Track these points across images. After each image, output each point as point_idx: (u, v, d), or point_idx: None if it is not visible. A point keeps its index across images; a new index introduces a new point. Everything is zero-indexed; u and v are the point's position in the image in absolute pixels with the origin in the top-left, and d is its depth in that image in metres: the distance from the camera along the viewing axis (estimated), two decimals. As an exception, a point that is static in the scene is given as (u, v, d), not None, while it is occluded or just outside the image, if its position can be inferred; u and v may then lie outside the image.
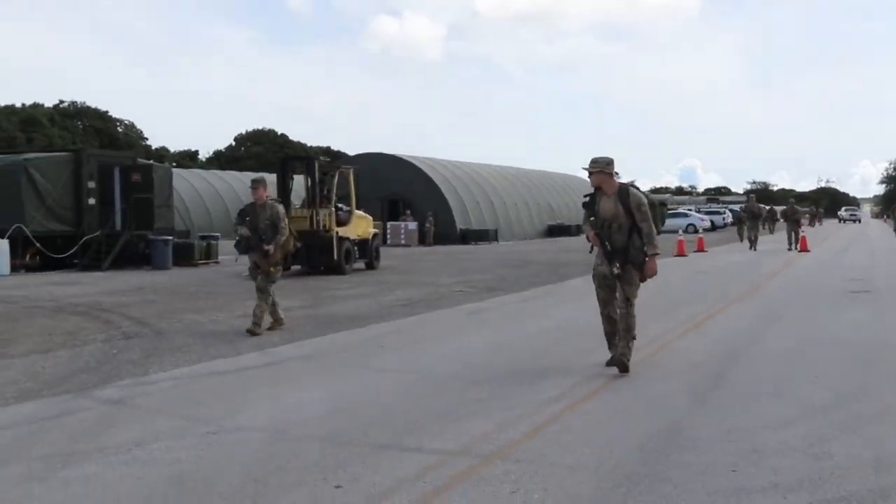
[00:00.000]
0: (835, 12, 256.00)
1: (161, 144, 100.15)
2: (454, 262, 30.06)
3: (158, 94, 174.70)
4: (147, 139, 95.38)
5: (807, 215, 73.56)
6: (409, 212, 47.45)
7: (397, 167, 50.06)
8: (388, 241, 45.18)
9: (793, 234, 36.00)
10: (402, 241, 44.85)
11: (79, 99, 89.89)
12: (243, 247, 12.64)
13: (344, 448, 6.20)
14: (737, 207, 73.44)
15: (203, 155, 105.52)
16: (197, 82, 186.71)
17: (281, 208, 12.67)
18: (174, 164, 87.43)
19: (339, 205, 25.09)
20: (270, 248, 12.27)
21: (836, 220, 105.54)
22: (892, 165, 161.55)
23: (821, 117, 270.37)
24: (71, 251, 26.65)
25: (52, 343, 11.55)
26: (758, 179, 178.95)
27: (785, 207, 39.94)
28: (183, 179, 56.03)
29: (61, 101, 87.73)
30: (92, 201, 27.62)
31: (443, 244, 45.08)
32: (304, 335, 12.12)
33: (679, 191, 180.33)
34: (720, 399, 7.92)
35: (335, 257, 23.35)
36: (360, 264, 25.82)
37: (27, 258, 26.40)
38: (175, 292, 18.84)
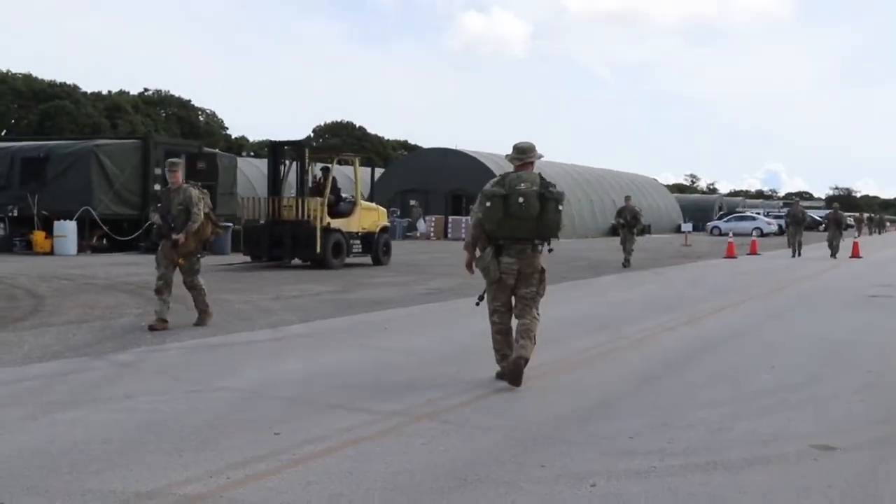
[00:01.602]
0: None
1: (241, 134, 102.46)
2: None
3: (240, 85, 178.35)
4: (227, 129, 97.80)
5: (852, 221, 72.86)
6: (471, 206, 48.19)
7: (461, 162, 50.95)
8: (450, 235, 46.09)
9: (833, 240, 34.53)
10: (463, 236, 45.63)
11: (163, 87, 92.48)
12: (155, 235, 11.90)
13: (301, 406, 7.08)
14: (820, 213, 73.03)
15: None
16: (280, 74, 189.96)
17: (195, 192, 11.56)
18: (252, 153, 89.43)
19: (345, 195, 24.43)
20: (180, 237, 11.39)
21: None
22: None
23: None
24: (136, 234, 27.93)
25: (90, 315, 12.61)
26: (841, 185, 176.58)
27: (828, 212, 39.27)
28: (255, 168, 57.48)
29: (146, 89, 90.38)
30: (157, 187, 28.86)
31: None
32: (319, 316, 13.00)
33: (759, 194, 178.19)
34: (668, 383, 8.60)
35: (318, 250, 22.10)
36: (367, 259, 24.56)
37: (94, 240, 27.81)
38: (221, 276, 19.87)
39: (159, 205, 11.68)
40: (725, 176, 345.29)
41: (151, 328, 11.20)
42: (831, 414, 7.40)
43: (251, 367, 8.93)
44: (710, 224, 68.94)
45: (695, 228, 65.84)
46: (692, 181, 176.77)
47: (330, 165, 23.56)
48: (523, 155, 8.04)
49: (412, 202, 49.74)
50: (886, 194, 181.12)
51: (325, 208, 22.35)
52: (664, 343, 11.15)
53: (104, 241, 28.24)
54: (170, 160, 11.91)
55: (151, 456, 5.60)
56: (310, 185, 23.07)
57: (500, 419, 6.84)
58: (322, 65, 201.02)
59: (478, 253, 8.24)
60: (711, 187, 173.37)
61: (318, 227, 22.00)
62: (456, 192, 50.61)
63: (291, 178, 23.51)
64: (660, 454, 5.96)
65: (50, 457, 5.57)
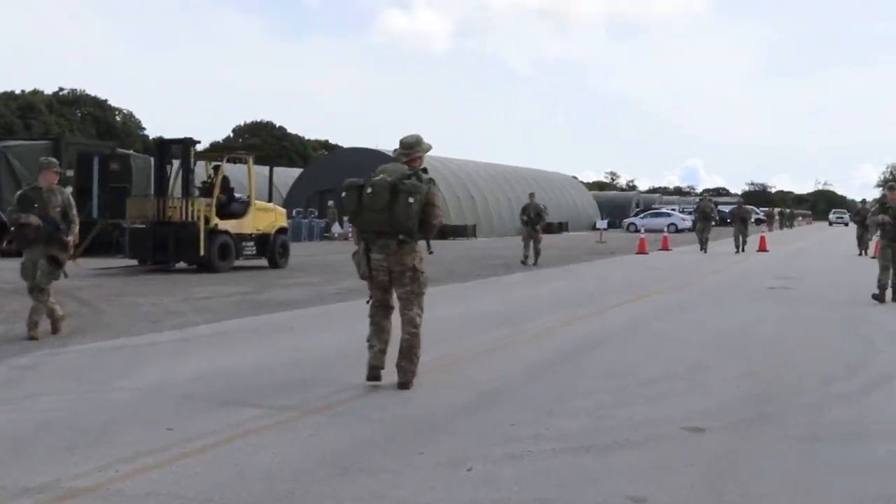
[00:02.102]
0: (838, 14, 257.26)
1: (159, 134, 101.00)
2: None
3: (158, 84, 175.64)
4: (145, 129, 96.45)
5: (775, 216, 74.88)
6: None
7: (380, 162, 50.18)
8: (367, 235, 46.13)
9: (740, 235, 34.93)
10: (382, 235, 45.75)
11: (78, 87, 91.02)
12: (29, 238, 10.97)
13: (196, 404, 7.27)
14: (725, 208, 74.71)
15: (201, 146, 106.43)
16: (198, 72, 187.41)
17: (69, 195, 11.29)
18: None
19: (239, 195, 23.70)
20: (71, 238, 11.10)
21: (827, 223, 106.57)
22: (888, 169, 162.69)
23: (824, 120, 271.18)
24: (47, 238, 27.54)
25: (-7, 319, 12.58)
26: (756, 181, 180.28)
27: (733, 207, 39.92)
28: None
29: (61, 89, 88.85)
30: (69, 189, 28.53)
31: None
32: (226, 317, 13.15)
33: (677, 191, 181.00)
34: (558, 374, 8.96)
35: (202, 252, 21.20)
36: (263, 262, 23.56)
37: (3, 244, 27.37)
38: (132, 279, 19.82)
39: (35, 206, 10.85)
40: (645, 173, 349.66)
41: (54, 332, 11.22)
42: (708, 400, 7.82)
43: (153, 367, 9.07)
44: (627, 221, 70.02)
45: (612, 225, 66.84)
46: (612, 178, 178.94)
47: (220, 164, 22.93)
48: (409, 150, 8.01)
49: (329, 203, 49.69)
50: (801, 189, 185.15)
51: (214, 209, 21.61)
52: (561, 337, 11.52)
53: (13, 245, 27.80)
54: (47, 159, 11.33)
55: (44, 453, 5.76)
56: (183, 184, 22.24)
57: (388, 412, 7.12)
58: (242, 63, 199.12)
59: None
60: (631, 184, 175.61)
61: (202, 228, 21.19)
62: (374, 192, 50.67)
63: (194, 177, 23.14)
64: (536, 439, 6.28)
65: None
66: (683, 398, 7.86)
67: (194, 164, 22.51)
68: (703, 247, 34.70)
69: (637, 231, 53.04)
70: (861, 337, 11.85)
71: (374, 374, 7.86)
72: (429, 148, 8.13)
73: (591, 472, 5.57)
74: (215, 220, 21.58)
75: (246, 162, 24.41)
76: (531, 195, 27.92)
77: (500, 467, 5.61)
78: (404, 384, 7.87)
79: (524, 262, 25.40)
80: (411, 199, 7.60)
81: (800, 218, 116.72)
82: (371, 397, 7.63)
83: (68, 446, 5.90)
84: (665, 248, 36.83)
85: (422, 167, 8.00)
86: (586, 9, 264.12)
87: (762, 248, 35.22)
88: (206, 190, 22.29)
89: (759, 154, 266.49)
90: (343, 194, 7.98)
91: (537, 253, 26.02)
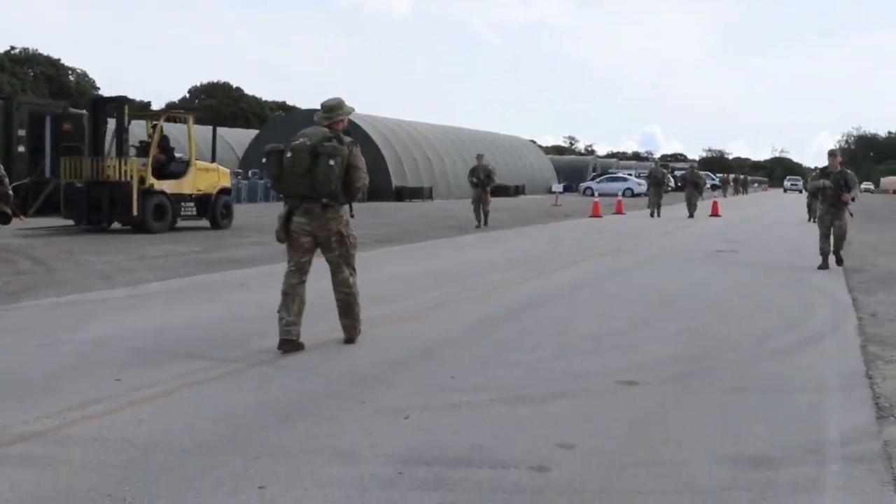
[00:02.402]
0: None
1: (113, 94, 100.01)
2: (373, 216, 31.17)
3: (112, 43, 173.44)
4: (99, 89, 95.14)
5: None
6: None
7: (337, 124, 50.91)
8: (324, 197, 46.19)
9: (691, 200, 34.91)
10: (338, 197, 45.79)
11: (31, 46, 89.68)
12: None
13: (146, 356, 7.44)
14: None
15: (156, 106, 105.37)
16: (153, 32, 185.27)
17: None
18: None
19: (179, 155, 23.20)
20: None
21: (782, 189, 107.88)
22: (844, 137, 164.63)
23: (782, 88, 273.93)
24: (-2, 197, 27.37)
25: (-54, 276, 12.62)
26: (714, 147, 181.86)
27: (685, 172, 40.15)
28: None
29: (12, 48, 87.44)
30: (21, 149, 28.34)
31: (377, 201, 46.09)
32: (179, 275, 13.27)
33: (636, 156, 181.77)
34: (501, 330, 9.21)
35: (135, 213, 20.87)
36: (205, 222, 23.13)
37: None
38: (86, 238, 19.80)
39: None
40: (605, 138, 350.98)
41: None
42: (644, 355, 8.10)
43: (104, 321, 9.20)
44: (583, 185, 70.42)
45: (568, 189, 67.23)
46: (571, 143, 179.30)
47: (158, 123, 22.42)
48: (331, 113, 7.84)
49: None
50: (758, 156, 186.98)
51: (150, 169, 21.21)
52: (508, 296, 11.77)
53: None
54: None
55: (-4, 402, 5.92)
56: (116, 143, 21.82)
57: (333, 364, 7.35)
58: (199, 23, 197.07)
59: None
60: (589, 149, 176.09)
61: (136, 188, 20.80)
62: (331, 154, 50.67)
63: (135, 136, 22.83)
64: (475, 390, 6.53)
65: None
66: (621, 353, 8.14)
67: (128, 123, 22.04)
68: (656, 211, 34.89)
69: (593, 195, 53.50)
70: (801, 299, 12.19)
71: (286, 347, 7.61)
72: (351, 111, 7.99)
73: (525, 420, 5.82)
74: (151, 180, 21.23)
75: (185, 121, 23.94)
76: (479, 157, 27.86)
77: (437, 416, 5.86)
78: (350, 340, 8.02)
79: (477, 227, 25.53)
80: (332, 162, 7.50)
81: (755, 184, 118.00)
82: (316, 351, 7.83)
83: (17, 396, 6.06)
84: (619, 212, 37.24)
85: (344, 129, 7.94)
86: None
87: (714, 214, 35.73)
88: (144, 149, 21.94)
89: (718, 121, 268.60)
90: (264, 160, 7.88)
91: (486, 214, 26.17)
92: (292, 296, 7.82)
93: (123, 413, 5.67)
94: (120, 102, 22.26)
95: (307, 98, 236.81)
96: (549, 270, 14.88)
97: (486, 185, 26.48)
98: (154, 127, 22.30)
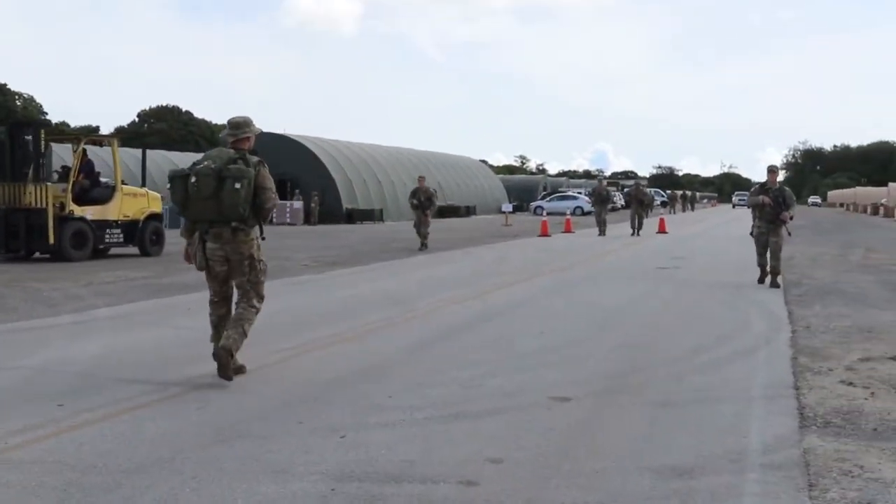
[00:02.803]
0: (742, 0, 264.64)
1: (61, 119, 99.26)
2: (323, 239, 31.31)
3: (60, 67, 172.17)
4: (47, 113, 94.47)
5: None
6: (298, 191, 48.48)
7: (285, 147, 51.02)
8: (275, 221, 46.24)
9: (636, 217, 34.94)
10: (288, 220, 45.94)
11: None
12: None
13: (89, 381, 7.57)
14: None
15: (105, 131, 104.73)
16: (102, 56, 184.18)
17: None
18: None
19: (105, 180, 22.54)
20: None
21: (731, 205, 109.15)
22: (791, 152, 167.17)
23: (729, 104, 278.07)
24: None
25: None
26: (664, 164, 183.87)
27: (629, 189, 40.53)
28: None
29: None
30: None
31: (329, 223, 46.25)
32: (127, 300, 13.34)
33: (586, 174, 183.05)
34: (439, 349, 9.42)
35: (51, 240, 20.05)
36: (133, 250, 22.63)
37: None
38: (35, 264, 19.73)
39: None
40: (556, 156, 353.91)
41: None
42: (578, 371, 8.35)
43: (50, 348, 9.30)
44: (533, 204, 70.98)
45: (519, 209, 67.76)
46: (522, 162, 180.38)
47: (79, 147, 21.60)
48: (237, 131, 7.62)
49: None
50: (708, 172, 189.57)
51: (69, 194, 20.47)
52: (448, 315, 11.98)
53: None
54: None
55: (-64, 429, 6.02)
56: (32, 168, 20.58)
57: (273, 385, 7.52)
58: (147, 46, 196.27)
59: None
60: (541, 168, 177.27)
61: (51, 215, 19.96)
62: (282, 177, 50.63)
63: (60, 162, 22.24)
64: (410, 409, 6.73)
65: None
66: (555, 369, 8.38)
67: (45, 148, 21.09)
68: (602, 229, 35.00)
69: (543, 214, 53.99)
70: (737, 313, 12.51)
71: (225, 374, 7.40)
72: (258, 131, 7.83)
73: (457, 437, 6.03)
74: (71, 207, 20.52)
75: (111, 145, 23.00)
76: (420, 178, 28.02)
77: (371, 434, 6.04)
78: (227, 349, 7.39)
79: (420, 249, 25.59)
80: (238, 185, 7.28)
81: (704, 200, 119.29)
82: (259, 372, 8.00)
83: (-41, 422, 6.17)
84: (568, 230, 37.63)
85: (251, 149, 7.70)
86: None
87: (661, 230, 36.23)
88: (66, 175, 21.24)
89: (668, 138, 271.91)
90: (168, 186, 7.76)
91: (425, 236, 26.14)
92: (222, 326, 7.71)
93: (64, 437, 5.80)
94: (37, 126, 21.75)
95: (257, 120, 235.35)
96: (491, 289, 15.13)
97: (426, 207, 26.27)
98: (79, 152, 21.59)
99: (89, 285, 15.43)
